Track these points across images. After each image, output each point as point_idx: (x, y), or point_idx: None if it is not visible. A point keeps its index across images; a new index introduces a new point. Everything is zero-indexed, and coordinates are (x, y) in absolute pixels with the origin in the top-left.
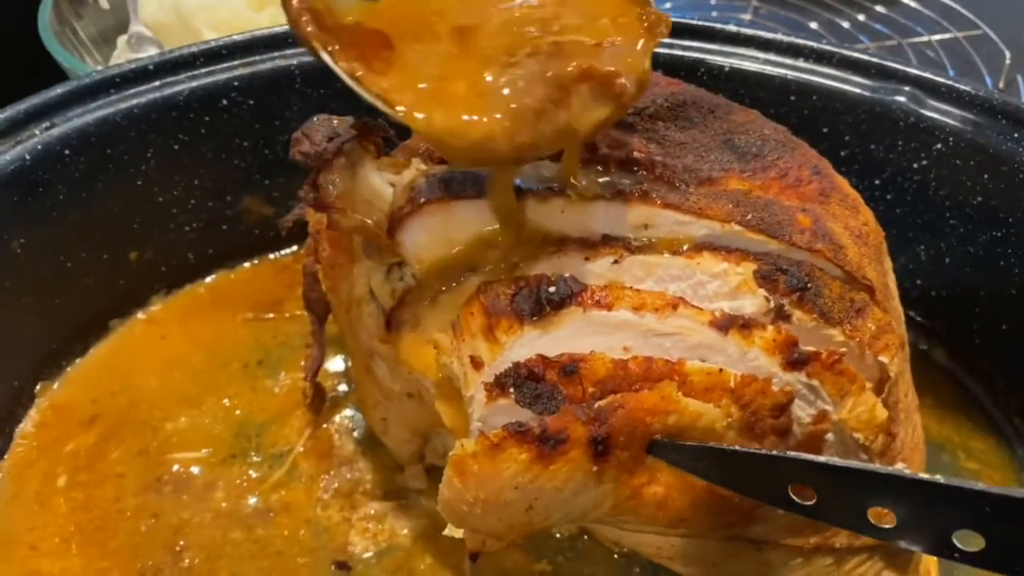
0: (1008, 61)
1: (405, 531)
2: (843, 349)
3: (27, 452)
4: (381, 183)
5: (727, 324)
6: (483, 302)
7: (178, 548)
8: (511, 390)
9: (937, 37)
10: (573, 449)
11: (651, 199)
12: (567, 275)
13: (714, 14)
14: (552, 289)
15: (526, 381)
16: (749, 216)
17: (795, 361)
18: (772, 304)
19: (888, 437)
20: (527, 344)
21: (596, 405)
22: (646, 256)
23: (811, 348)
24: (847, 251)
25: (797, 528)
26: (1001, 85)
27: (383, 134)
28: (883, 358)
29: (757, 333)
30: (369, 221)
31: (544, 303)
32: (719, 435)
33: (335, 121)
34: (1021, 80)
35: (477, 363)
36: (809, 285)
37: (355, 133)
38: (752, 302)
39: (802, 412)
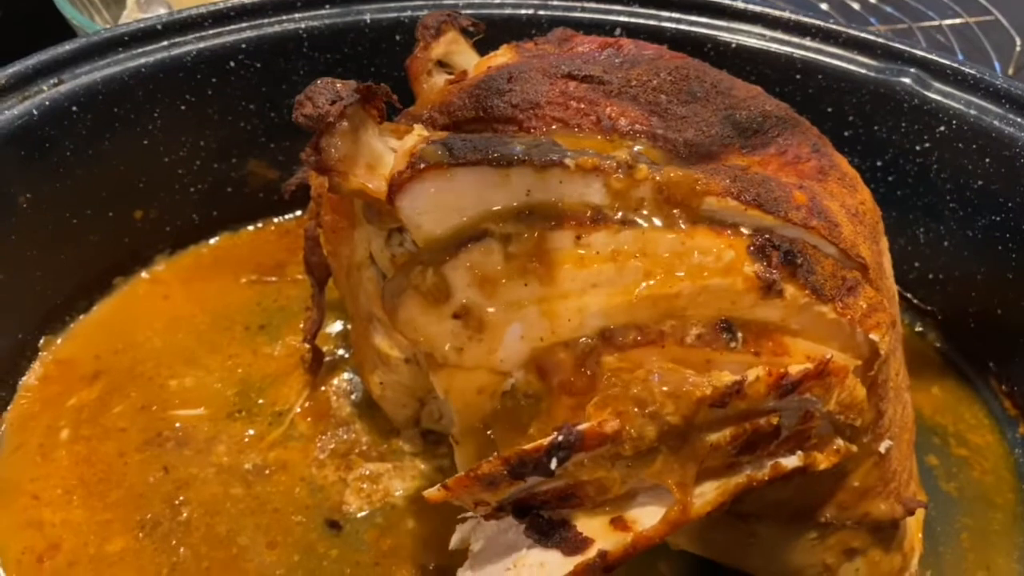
0: (1019, 47)
1: (399, 492)
2: (828, 355)
3: (30, 404)
4: (383, 148)
5: (725, 400)
6: (480, 483)
7: (177, 502)
8: (512, 517)
9: (948, 22)
10: None
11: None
12: (562, 436)
13: None
14: (554, 465)
15: (528, 511)
16: (746, 191)
17: (786, 390)
18: (765, 279)
19: (875, 413)
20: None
21: (609, 558)
22: (641, 231)
23: (798, 368)
24: (842, 229)
25: (782, 503)
26: (1010, 71)
27: (387, 99)
28: (874, 336)
29: (752, 389)
30: (370, 185)
31: (549, 471)
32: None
33: (339, 85)
34: None
35: (482, 504)
36: (802, 261)
37: (358, 97)
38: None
39: (791, 419)
